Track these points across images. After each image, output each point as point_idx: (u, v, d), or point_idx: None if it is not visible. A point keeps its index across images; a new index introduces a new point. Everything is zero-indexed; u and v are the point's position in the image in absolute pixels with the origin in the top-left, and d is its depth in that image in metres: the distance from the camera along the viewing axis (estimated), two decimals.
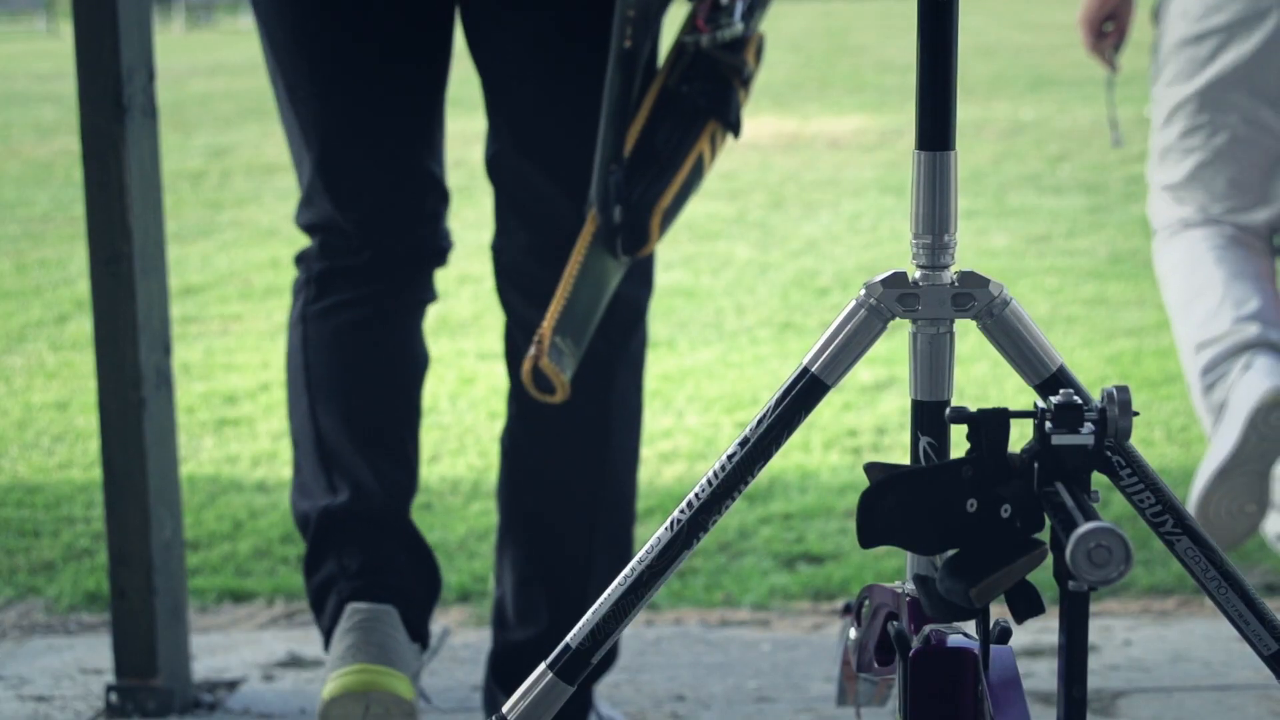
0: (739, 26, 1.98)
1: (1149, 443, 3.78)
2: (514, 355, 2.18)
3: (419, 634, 2.11)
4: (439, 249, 2.21)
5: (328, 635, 2.10)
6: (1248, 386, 2.84)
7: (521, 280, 2.16)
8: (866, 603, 1.43)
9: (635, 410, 2.21)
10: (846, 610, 1.50)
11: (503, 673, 2.25)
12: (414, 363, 2.21)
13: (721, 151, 2.05)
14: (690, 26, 1.98)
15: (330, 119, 2.10)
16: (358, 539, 2.12)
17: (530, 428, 2.18)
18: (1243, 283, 2.98)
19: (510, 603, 2.23)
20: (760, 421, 1.34)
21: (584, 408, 2.12)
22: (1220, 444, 2.87)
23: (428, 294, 2.23)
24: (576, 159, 2.04)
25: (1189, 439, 3.76)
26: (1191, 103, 3.08)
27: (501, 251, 2.18)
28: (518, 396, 2.18)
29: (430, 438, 3.98)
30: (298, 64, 2.09)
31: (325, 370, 2.16)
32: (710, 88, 1.97)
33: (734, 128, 2.01)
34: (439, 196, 2.18)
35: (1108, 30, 3.19)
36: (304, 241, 2.25)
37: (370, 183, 2.13)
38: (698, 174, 2.00)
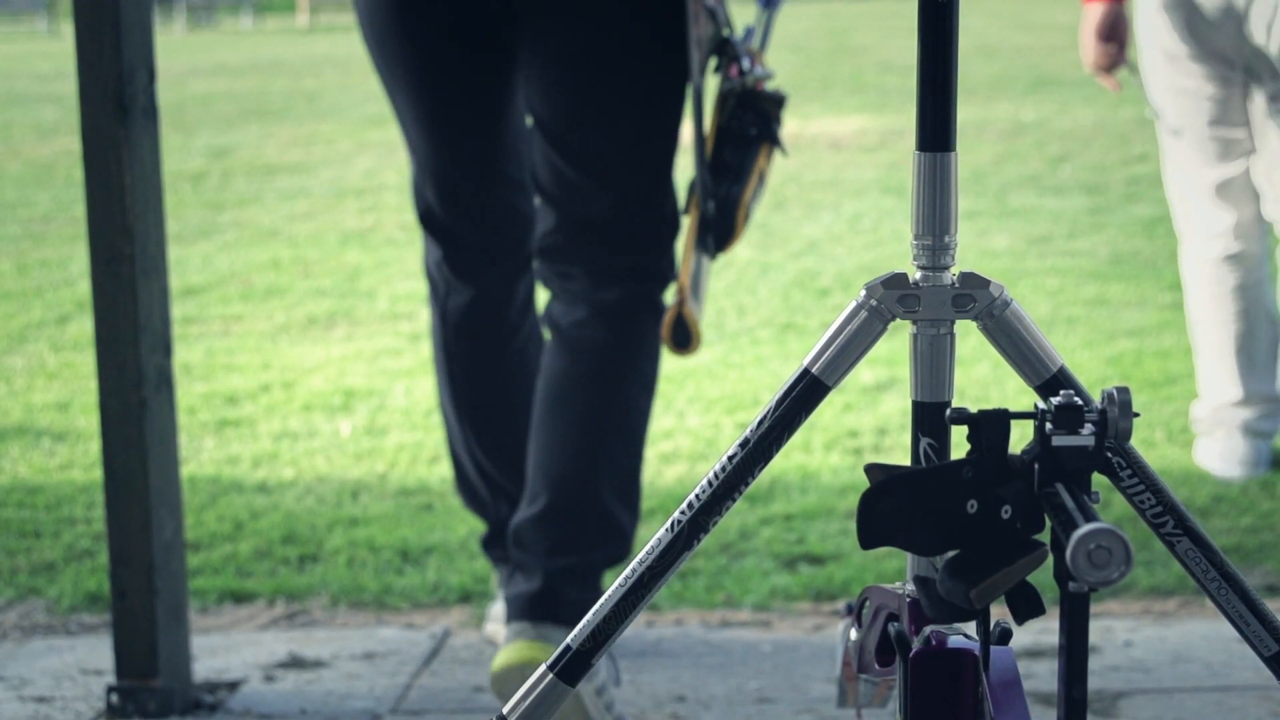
0: (767, 72, 2.46)
1: (1150, 444, 3.78)
2: (553, 326, 2.53)
3: None
4: (524, 240, 2.59)
5: (502, 584, 2.69)
6: (1225, 457, 3.61)
7: (554, 254, 2.52)
8: (867, 604, 1.44)
9: (654, 348, 2.52)
10: (847, 611, 1.50)
11: (494, 546, 2.67)
12: (531, 352, 2.63)
13: (771, 170, 2.50)
14: (726, 77, 2.45)
15: (419, 131, 2.53)
16: None
17: (565, 352, 2.49)
18: (1241, 352, 3.62)
19: (524, 497, 2.49)
20: (761, 422, 1.34)
21: (613, 338, 2.47)
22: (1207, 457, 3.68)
23: (523, 258, 2.60)
24: (602, 151, 2.47)
25: (1189, 440, 3.76)
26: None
27: (540, 237, 2.54)
28: (554, 328, 2.52)
29: (431, 438, 3.98)
30: (390, 84, 2.53)
31: (468, 391, 2.62)
32: (757, 119, 2.44)
33: (781, 147, 2.47)
34: (519, 193, 2.58)
35: (1110, 51, 3.54)
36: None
37: (455, 180, 2.55)
38: (761, 184, 2.45)
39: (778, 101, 2.45)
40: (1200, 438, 3.69)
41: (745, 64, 2.44)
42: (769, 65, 2.53)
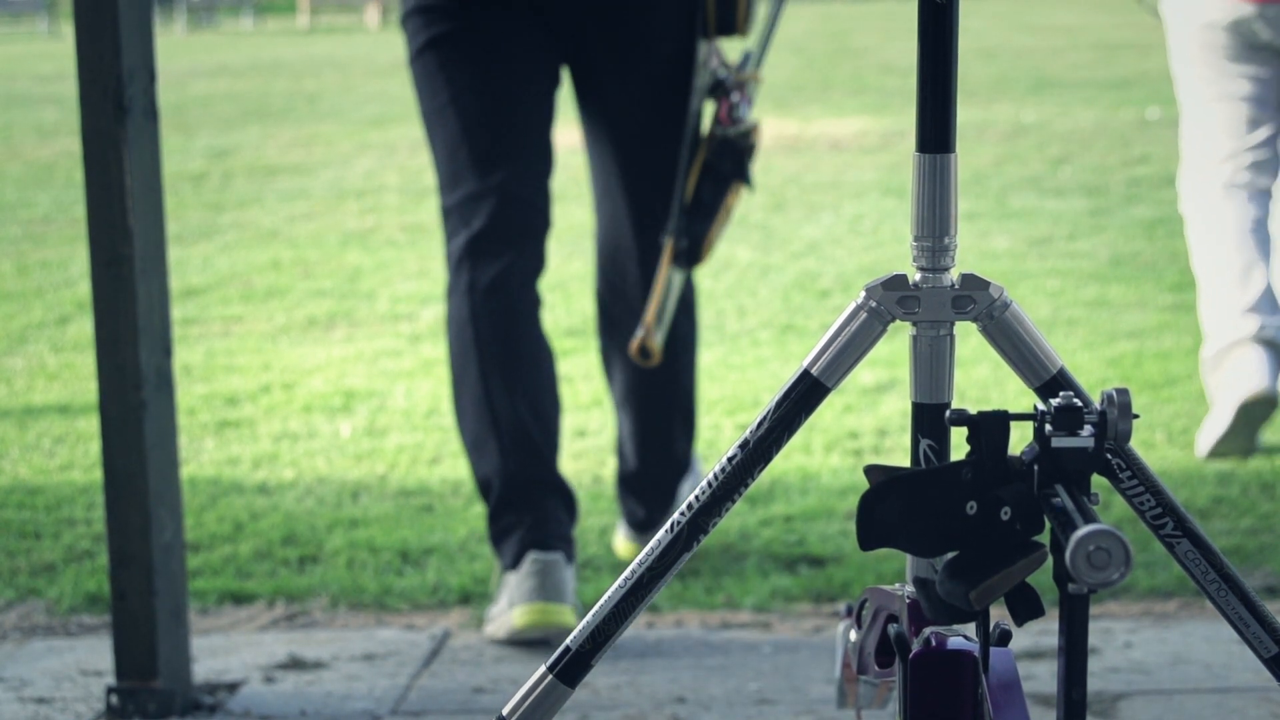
0: (750, 121, 2.86)
1: (1149, 445, 3.77)
2: (603, 316, 3.09)
3: (572, 554, 2.86)
4: (544, 217, 2.93)
5: (507, 567, 2.81)
6: (1236, 381, 3.62)
7: (605, 270, 3.06)
8: (867, 605, 1.44)
9: (692, 338, 3.11)
10: (847, 612, 1.50)
11: (625, 488, 3.17)
12: (546, 343, 2.93)
13: (739, 201, 2.94)
14: (716, 120, 2.86)
15: (484, 116, 2.86)
16: (531, 501, 2.82)
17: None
18: (1251, 268, 3.67)
19: (620, 452, 3.16)
20: (760, 424, 1.34)
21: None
22: (1215, 424, 3.67)
23: (541, 260, 2.92)
24: (646, 176, 2.94)
25: (1189, 441, 3.76)
26: None
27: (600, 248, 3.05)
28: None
29: (431, 439, 3.98)
30: (451, 80, 2.84)
31: (495, 348, 2.83)
32: (734, 161, 2.86)
33: (750, 185, 2.90)
34: (544, 187, 2.93)
35: None
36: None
37: (504, 165, 2.87)
38: (727, 216, 2.90)
39: (752, 145, 2.88)
40: (1210, 374, 3.73)
41: (735, 98, 2.86)
42: (763, 76, 2.90)
